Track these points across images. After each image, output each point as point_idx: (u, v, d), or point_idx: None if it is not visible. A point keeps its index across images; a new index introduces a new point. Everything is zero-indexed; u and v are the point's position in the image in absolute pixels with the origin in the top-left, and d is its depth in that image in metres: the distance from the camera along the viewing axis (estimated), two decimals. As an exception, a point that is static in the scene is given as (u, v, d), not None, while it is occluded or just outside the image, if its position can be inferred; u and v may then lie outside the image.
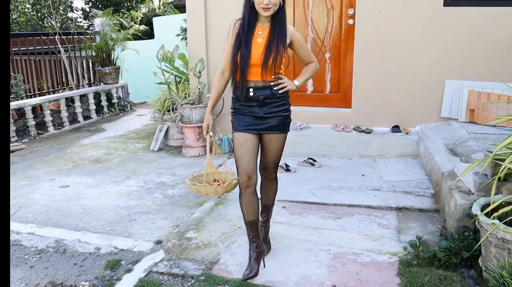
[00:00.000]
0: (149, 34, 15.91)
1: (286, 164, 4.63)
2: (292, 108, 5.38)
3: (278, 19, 2.63)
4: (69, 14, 23.57)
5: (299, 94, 5.53)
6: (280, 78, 2.71)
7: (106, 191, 4.36)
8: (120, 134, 7.03)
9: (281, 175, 4.51)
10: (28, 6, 21.75)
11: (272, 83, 2.69)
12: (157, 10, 24.36)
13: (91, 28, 11.30)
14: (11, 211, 4.01)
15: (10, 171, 5.32)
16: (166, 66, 6.12)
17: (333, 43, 5.35)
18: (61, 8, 22.90)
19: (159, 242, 3.21)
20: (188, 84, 5.88)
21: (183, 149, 5.51)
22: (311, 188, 4.15)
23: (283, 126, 2.83)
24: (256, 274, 2.70)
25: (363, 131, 5.13)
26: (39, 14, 21.76)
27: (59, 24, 20.62)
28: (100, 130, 7.49)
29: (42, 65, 8.39)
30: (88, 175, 4.92)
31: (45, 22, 21.25)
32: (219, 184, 3.09)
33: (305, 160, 4.81)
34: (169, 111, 5.86)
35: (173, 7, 14.31)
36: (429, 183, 4.16)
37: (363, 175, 4.46)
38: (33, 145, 6.59)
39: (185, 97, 5.65)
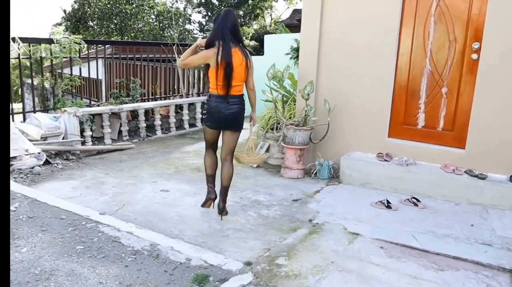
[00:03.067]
0: (258, 50, 16.34)
1: (387, 200, 4.37)
2: (399, 141, 5.21)
3: None
4: (187, 26, 25.15)
5: (408, 128, 5.25)
6: None
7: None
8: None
9: (381, 211, 4.29)
10: (153, 17, 23.55)
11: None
12: (268, 28, 25.05)
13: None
14: (115, 207, 4.24)
15: (119, 167, 5.68)
16: (274, 84, 6.16)
17: (452, 77, 4.99)
18: (181, 20, 24.52)
19: (248, 263, 3.16)
20: (295, 104, 5.85)
21: (282, 169, 5.47)
22: (413, 230, 3.85)
23: None
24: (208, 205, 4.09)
25: (476, 176, 4.69)
26: (160, 25, 23.49)
27: (177, 35, 22.12)
28: (203, 139, 7.72)
29: (159, 72, 8.93)
30: (187, 183, 5.07)
31: (165, 32, 22.85)
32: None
33: (408, 199, 4.51)
34: (272, 129, 5.87)
35: (284, 25, 14.55)
36: (552, 246, 3.66)
37: (472, 225, 4.05)
38: (141, 146, 6.98)
39: (290, 118, 5.62)
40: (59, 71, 6.91)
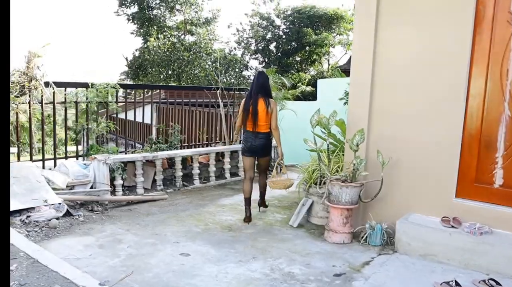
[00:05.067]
0: (314, 96, 15.77)
1: (456, 281, 3.43)
2: (469, 203, 4.26)
3: None
4: (244, 73, 25.22)
5: (481, 187, 4.29)
6: None
7: (225, 272, 3.71)
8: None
9: (448, 298, 3.35)
10: (209, 63, 23.83)
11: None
12: (325, 74, 24.60)
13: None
14: (122, 275, 3.61)
15: (144, 222, 5.11)
16: (322, 131, 5.48)
17: (538, 125, 4.06)
18: (237, 67, 24.62)
19: None
20: (343, 155, 5.08)
21: (326, 232, 4.64)
22: (494, 328, 2.90)
23: None
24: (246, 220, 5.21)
25: None
26: (216, 71, 23.66)
27: (233, 81, 22.13)
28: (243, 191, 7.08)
29: (201, 118, 8.50)
30: (214, 245, 4.37)
31: (220, 78, 22.97)
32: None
33: (484, 280, 3.53)
34: (316, 184, 5.10)
35: (340, 70, 13.99)
36: None
37: None
38: (175, 197, 6.42)
39: (337, 171, 4.85)
40: (95, 116, 6.59)
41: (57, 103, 6.12)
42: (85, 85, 6.21)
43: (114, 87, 6.33)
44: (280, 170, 5.47)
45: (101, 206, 5.69)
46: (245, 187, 5.31)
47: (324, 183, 4.89)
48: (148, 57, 23.50)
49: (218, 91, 8.02)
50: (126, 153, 6.85)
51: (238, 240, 4.55)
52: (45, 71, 5.62)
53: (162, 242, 4.44)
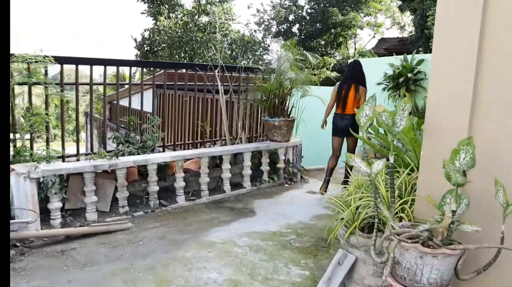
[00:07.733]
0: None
1: None
2: None
3: None
4: (265, 56, 22.91)
5: None
6: None
7: None
8: (273, 231, 4.32)
9: None
10: (225, 45, 21.61)
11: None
12: (351, 59, 22.16)
13: (265, 64, 9.18)
14: None
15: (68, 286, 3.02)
16: (369, 132, 3.32)
17: None
18: (256, 49, 22.37)
19: None
20: (409, 175, 2.86)
21: (384, 334, 2.43)
22: None
23: None
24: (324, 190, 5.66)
25: None
26: (233, 53, 21.42)
27: (251, 64, 19.90)
28: (247, 213, 4.93)
29: (195, 106, 6.32)
30: None
31: (237, 61, 20.69)
32: None
33: None
34: (362, 229, 2.87)
35: (372, 51, 11.75)
36: None
37: None
38: (144, 225, 4.33)
39: (403, 211, 2.62)
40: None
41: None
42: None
43: (39, 60, 4.13)
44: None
45: (21, 246, 3.64)
46: (330, 162, 5.77)
47: (380, 230, 2.63)
48: (158, 38, 21.42)
49: (216, 71, 5.81)
50: (78, 159, 4.75)
51: None
52: None
53: None
